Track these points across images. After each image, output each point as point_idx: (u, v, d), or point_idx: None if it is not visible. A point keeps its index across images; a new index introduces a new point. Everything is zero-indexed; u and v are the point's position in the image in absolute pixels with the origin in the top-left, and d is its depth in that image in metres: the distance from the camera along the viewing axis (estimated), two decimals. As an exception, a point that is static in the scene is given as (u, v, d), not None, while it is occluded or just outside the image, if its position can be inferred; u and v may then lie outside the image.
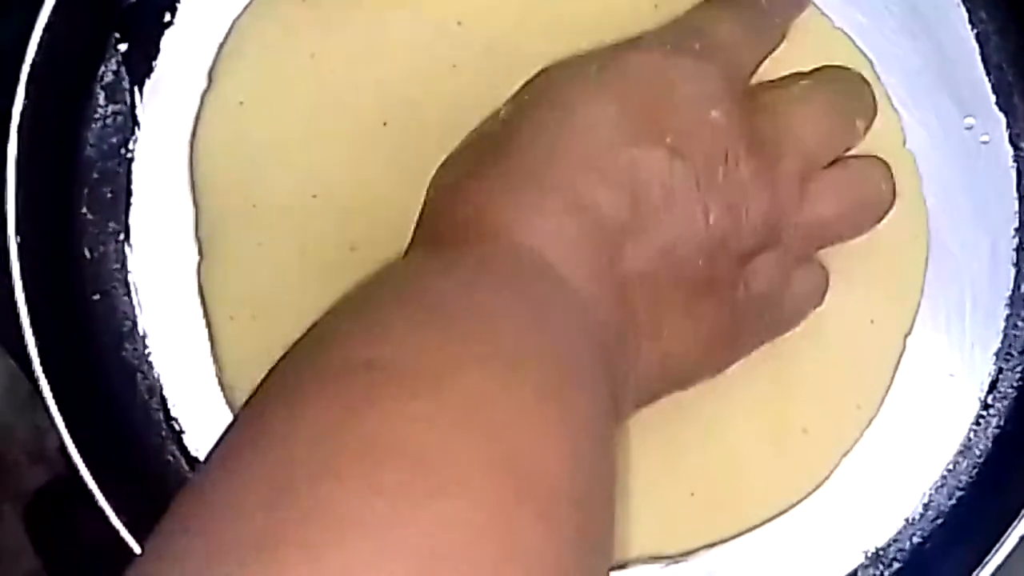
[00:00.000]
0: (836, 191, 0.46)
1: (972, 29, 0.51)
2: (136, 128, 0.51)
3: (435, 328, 0.36)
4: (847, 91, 0.48)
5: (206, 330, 0.50)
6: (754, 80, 0.47)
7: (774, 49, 0.47)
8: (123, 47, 0.51)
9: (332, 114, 0.50)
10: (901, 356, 0.50)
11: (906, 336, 0.50)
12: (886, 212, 0.47)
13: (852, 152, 0.47)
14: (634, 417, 0.46)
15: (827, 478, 0.49)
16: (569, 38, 0.49)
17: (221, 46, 0.51)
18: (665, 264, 0.41)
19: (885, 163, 0.48)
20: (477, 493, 0.31)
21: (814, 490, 0.49)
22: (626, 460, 0.47)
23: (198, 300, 0.50)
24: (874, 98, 0.48)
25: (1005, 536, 0.46)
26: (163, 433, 0.50)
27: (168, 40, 0.51)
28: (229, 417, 0.50)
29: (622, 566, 0.49)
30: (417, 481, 0.30)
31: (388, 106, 0.50)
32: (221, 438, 0.34)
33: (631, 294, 0.41)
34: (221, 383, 0.50)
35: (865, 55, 0.50)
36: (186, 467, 0.50)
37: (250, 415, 0.35)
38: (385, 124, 0.49)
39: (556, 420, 0.34)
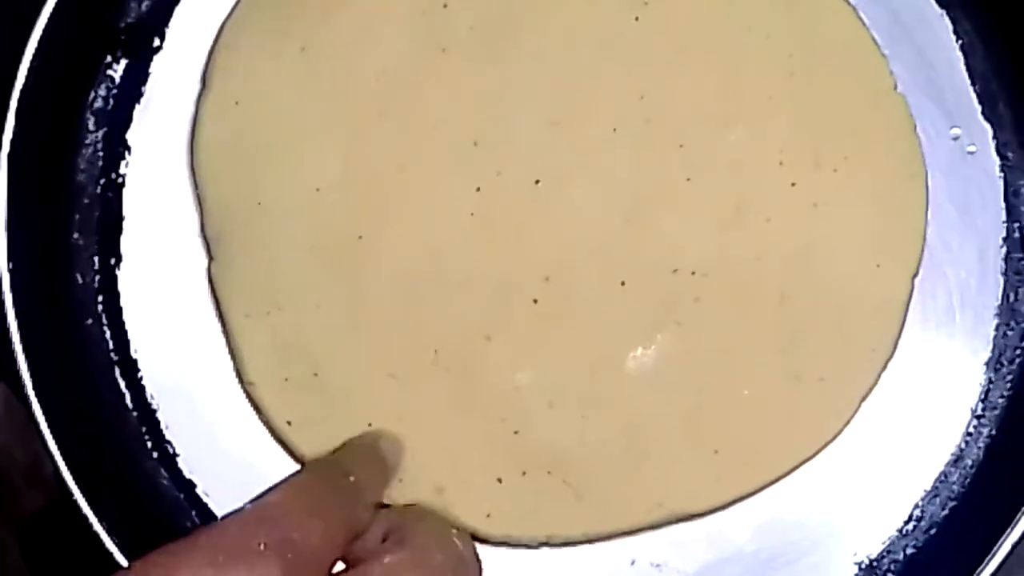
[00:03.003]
0: None
1: (957, 40, 0.51)
2: (127, 152, 0.51)
3: None
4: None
5: (221, 329, 0.50)
6: None
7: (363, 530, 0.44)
8: (113, 72, 0.52)
9: (328, 105, 0.50)
10: (910, 298, 0.49)
11: (913, 277, 0.50)
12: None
13: None
14: (653, 381, 0.48)
15: (847, 423, 0.49)
16: (555, 17, 0.50)
17: (212, 49, 0.51)
18: None
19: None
20: None
21: (835, 437, 0.49)
22: (648, 425, 0.48)
23: (189, 322, 0.51)
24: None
25: (998, 546, 0.46)
26: (156, 456, 0.50)
27: (158, 65, 0.52)
28: (223, 437, 0.50)
29: (653, 527, 0.49)
30: None
31: (381, 92, 0.50)
32: None
33: None
34: (241, 380, 0.50)
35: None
36: (178, 490, 0.50)
37: None
38: (380, 113, 0.50)
39: None
